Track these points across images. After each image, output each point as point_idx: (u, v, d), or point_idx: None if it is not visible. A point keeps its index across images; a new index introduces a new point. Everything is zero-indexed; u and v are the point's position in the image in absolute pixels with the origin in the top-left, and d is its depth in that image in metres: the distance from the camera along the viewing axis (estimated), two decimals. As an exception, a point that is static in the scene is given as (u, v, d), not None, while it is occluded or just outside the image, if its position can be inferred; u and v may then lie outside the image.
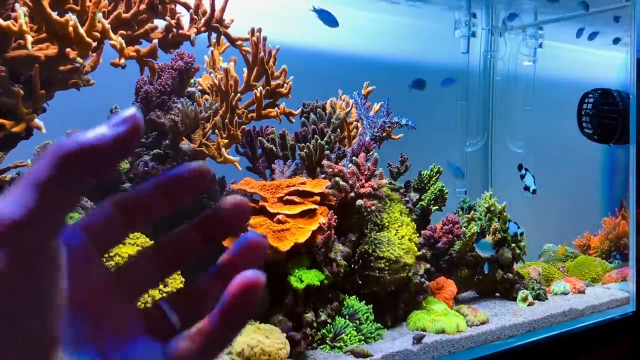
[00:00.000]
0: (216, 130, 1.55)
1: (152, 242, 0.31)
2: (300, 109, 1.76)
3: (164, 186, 0.27)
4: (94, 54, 1.28)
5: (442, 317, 1.64)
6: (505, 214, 2.02)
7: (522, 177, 2.24)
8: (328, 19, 1.92)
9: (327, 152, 1.67)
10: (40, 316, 0.23)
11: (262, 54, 1.54)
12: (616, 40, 2.79)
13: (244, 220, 0.29)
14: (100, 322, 0.27)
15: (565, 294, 2.10)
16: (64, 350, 0.25)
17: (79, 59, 1.18)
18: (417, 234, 1.74)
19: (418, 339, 1.49)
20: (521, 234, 1.97)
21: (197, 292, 0.30)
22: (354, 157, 1.61)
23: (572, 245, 2.71)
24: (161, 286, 1.23)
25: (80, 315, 0.26)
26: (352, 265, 1.56)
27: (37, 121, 1.15)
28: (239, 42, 1.53)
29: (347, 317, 1.50)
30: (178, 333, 0.28)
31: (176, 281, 1.29)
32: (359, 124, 1.89)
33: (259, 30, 1.53)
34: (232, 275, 0.27)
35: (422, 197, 1.92)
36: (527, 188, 2.21)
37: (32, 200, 0.22)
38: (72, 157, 0.23)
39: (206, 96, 1.65)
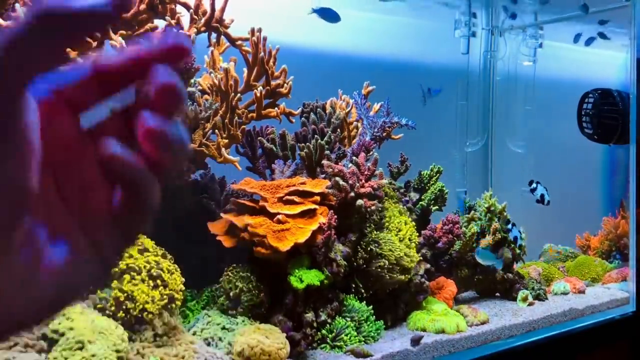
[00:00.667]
0: (216, 130, 1.55)
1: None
2: (300, 109, 1.76)
3: (141, 57, 0.27)
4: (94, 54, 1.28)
5: (442, 317, 1.64)
6: (505, 214, 2.02)
7: (533, 190, 2.26)
8: (329, 15, 1.91)
9: (327, 152, 1.67)
10: (12, 163, 0.24)
11: (262, 54, 1.54)
12: (602, 35, 2.79)
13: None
14: (69, 169, 0.28)
15: (565, 294, 2.10)
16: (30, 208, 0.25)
17: (79, 59, 1.18)
18: (417, 234, 1.74)
19: (416, 341, 1.49)
20: (520, 238, 1.97)
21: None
22: (354, 157, 1.61)
23: (572, 245, 2.71)
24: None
25: (50, 168, 0.27)
26: (353, 265, 1.56)
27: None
28: (239, 42, 1.53)
29: (347, 317, 1.50)
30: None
31: (176, 282, 1.29)
32: (359, 124, 1.89)
33: (259, 30, 1.53)
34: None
35: (422, 197, 1.92)
36: (541, 200, 2.23)
37: (7, 42, 0.22)
38: (46, 15, 0.23)
39: (206, 96, 1.65)
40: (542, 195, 2.26)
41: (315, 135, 1.69)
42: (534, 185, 2.28)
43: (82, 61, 0.28)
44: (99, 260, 0.29)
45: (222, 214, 1.51)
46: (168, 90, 0.26)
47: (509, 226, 1.95)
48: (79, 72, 0.28)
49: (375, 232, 1.58)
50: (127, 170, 0.27)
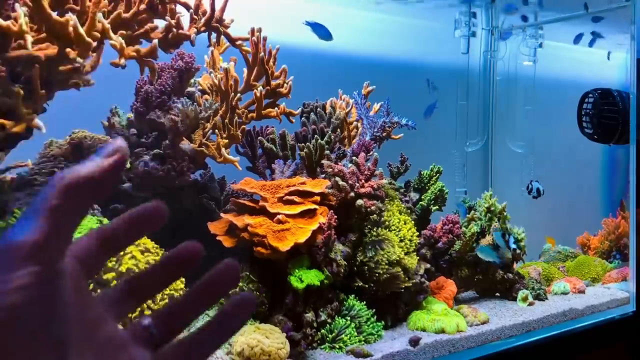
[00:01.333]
0: (216, 130, 1.55)
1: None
2: (300, 109, 1.76)
3: (132, 220, 0.32)
4: (94, 54, 1.28)
5: (442, 317, 1.64)
6: (505, 213, 2.02)
7: (530, 191, 2.28)
8: (322, 32, 1.93)
9: (327, 152, 1.67)
10: (58, 326, 0.27)
11: (262, 53, 1.54)
12: (594, 34, 2.80)
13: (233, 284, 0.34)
14: (92, 337, 0.30)
15: (565, 293, 2.10)
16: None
17: (79, 59, 1.18)
18: (418, 234, 1.74)
19: (415, 342, 1.49)
20: (517, 248, 1.98)
21: (175, 311, 0.34)
22: (354, 157, 1.61)
23: (573, 245, 2.71)
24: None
25: (77, 331, 0.29)
26: (353, 266, 1.56)
27: (37, 121, 1.15)
28: (239, 42, 1.53)
29: (347, 317, 1.50)
30: (159, 346, 0.33)
31: (176, 282, 1.29)
32: (359, 124, 1.89)
33: (259, 30, 1.53)
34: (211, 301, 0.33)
35: (422, 197, 1.92)
36: (537, 194, 2.24)
37: (46, 224, 0.27)
38: (74, 186, 0.28)
39: (206, 96, 1.65)
40: (537, 190, 2.27)
41: (315, 135, 1.69)
42: (530, 186, 2.30)
43: (89, 231, 0.32)
44: None
45: (222, 214, 1.51)
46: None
47: (508, 237, 1.95)
48: (88, 238, 0.31)
49: (375, 232, 1.58)
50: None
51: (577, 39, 2.81)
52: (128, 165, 1.45)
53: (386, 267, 1.55)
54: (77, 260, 0.30)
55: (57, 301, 0.27)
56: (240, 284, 1.43)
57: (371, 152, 1.68)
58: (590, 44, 2.84)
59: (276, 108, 1.62)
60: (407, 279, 1.62)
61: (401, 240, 1.64)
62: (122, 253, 1.22)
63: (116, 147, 0.29)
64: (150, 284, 0.34)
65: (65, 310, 0.27)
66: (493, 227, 1.97)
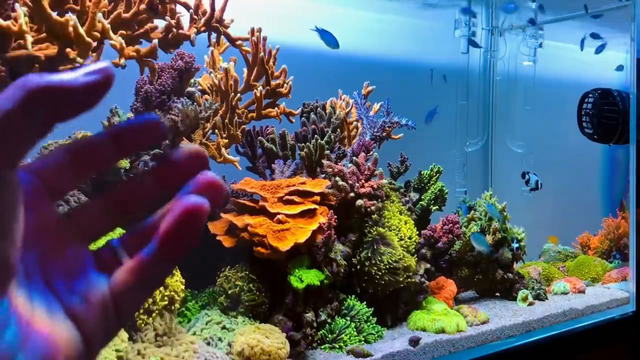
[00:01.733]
0: (216, 130, 1.55)
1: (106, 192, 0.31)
2: (300, 109, 1.76)
3: (115, 135, 0.28)
4: (94, 54, 1.28)
5: (442, 316, 1.64)
6: (505, 213, 2.02)
7: (527, 182, 2.28)
8: (329, 40, 1.92)
9: (327, 152, 1.67)
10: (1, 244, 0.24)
11: (262, 53, 1.54)
12: (594, 36, 2.80)
13: (202, 167, 0.29)
14: (50, 260, 0.27)
15: (565, 293, 2.10)
16: (17, 282, 0.25)
17: (79, 59, 1.18)
18: (418, 234, 1.74)
19: (415, 342, 1.49)
20: (517, 248, 1.98)
21: (147, 232, 0.30)
22: (354, 157, 1.61)
23: (573, 244, 2.71)
24: (161, 289, 1.23)
25: (30, 252, 0.26)
26: (353, 266, 1.56)
27: (37, 121, 1.15)
28: (239, 42, 1.53)
29: (347, 317, 1.50)
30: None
31: (176, 283, 1.29)
32: (359, 124, 1.89)
33: (259, 30, 1.53)
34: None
35: (422, 197, 1.92)
36: (536, 187, 2.25)
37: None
38: (38, 92, 0.23)
39: (206, 96, 1.65)
40: (536, 182, 2.28)
41: (315, 135, 1.69)
42: (527, 177, 2.30)
43: (59, 146, 0.28)
44: (85, 343, 0.28)
45: (222, 214, 1.51)
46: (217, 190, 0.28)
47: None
48: (57, 156, 0.27)
49: (375, 232, 1.58)
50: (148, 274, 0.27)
51: (582, 44, 2.82)
52: (127, 165, 1.45)
53: (386, 266, 1.55)
54: (39, 176, 0.27)
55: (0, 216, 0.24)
56: (242, 285, 1.43)
57: (371, 152, 1.68)
58: (598, 51, 2.85)
59: (276, 108, 1.62)
60: (407, 276, 1.62)
61: (400, 239, 1.64)
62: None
63: (101, 66, 0.25)
64: (97, 155, 0.28)
65: (12, 227, 0.24)
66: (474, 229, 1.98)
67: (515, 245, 1.95)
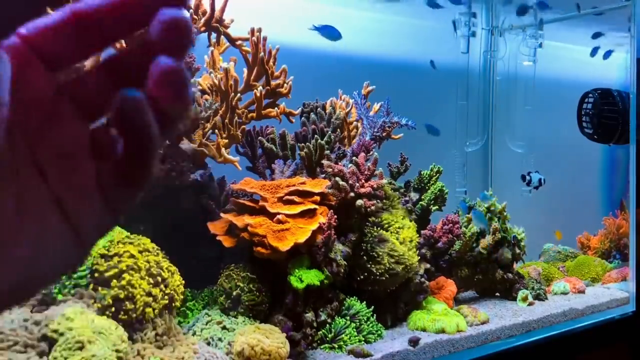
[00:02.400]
0: (216, 130, 1.55)
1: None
2: (300, 109, 1.76)
3: (121, 4, 0.24)
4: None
5: (442, 316, 1.64)
6: (505, 213, 2.02)
7: (529, 182, 2.28)
8: (331, 33, 1.91)
9: (327, 152, 1.67)
10: None
11: (262, 54, 1.54)
12: (596, 35, 2.81)
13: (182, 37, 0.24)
14: (44, 140, 0.25)
15: (565, 293, 2.10)
16: None
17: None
18: (417, 234, 1.74)
19: (414, 342, 1.49)
20: (515, 238, 1.99)
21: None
22: (354, 157, 1.61)
23: (572, 245, 2.71)
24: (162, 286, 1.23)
25: (20, 129, 0.24)
26: (353, 266, 1.56)
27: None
28: (239, 42, 1.53)
29: (347, 317, 1.50)
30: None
31: (176, 282, 1.29)
32: (359, 124, 1.89)
33: (259, 30, 1.53)
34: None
35: (422, 197, 1.92)
36: (539, 184, 2.26)
37: None
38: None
39: (206, 96, 1.65)
40: (539, 180, 2.29)
41: (315, 135, 1.69)
42: (528, 178, 2.31)
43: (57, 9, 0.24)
44: (76, 236, 0.26)
45: (222, 214, 1.51)
46: (177, 28, 0.24)
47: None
48: (52, 18, 0.24)
49: (375, 233, 1.58)
50: (140, 116, 0.24)
51: (594, 52, 2.84)
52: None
53: (386, 266, 1.55)
54: (29, 43, 0.24)
55: None
56: (242, 285, 1.43)
57: (371, 152, 1.68)
58: (605, 57, 2.86)
59: (276, 108, 1.62)
60: (406, 273, 1.62)
61: (399, 240, 1.64)
62: (119, 251, 1.22)
63: None
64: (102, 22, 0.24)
65: None
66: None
67: (513, 235, 1.95)
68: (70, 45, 0.24)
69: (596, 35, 2.80)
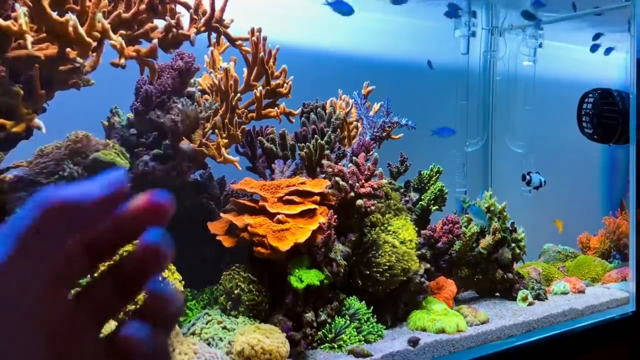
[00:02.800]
0: (216, 130, 1.55)
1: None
2: (300, 109, 1.76)
3: (127, 218, 0.28)
4: (94, 54, 1.28)
5: (442, 316, 1.64)
6: (505, 213, 2.02)
7: (529, 182, 2.28)
8: (343, 8, 1.91)
9: (327, 152, 1.67)
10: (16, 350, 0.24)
11: (262, 53, 1.54)
12: (596, 36, 2.81)
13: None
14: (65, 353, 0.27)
15: (565, 293, 2.10)
16: None
17: (79, 59, 1.18)
18: (417, 234, 1.74)
19: (414, 342, 1.49)
20: (512, 224, 1.98)
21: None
22: (353, 157, 1.61)
23: (572, 245, 2.70)
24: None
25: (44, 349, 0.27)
26: (352, 266, 1.56)
27: (37, 121, 1.15)
28: (239, 42, 1.53)
29: (347, 317, 1.50)
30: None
31: (176, 282, 1.29)
32: (359, 124, 1.89)
33: (259, 30, 1.53)
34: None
35: (422, 197, 1.92)
36: (539, 185, 2.26)
37: (13, 249, 0.24)
38: (55, 210, 0.25)
39: (206, 96, 1.65)
40: (539, 180, 2.29)
41: (315, 135, 1.69)
42: (528, 177, 2.31)
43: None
44: None
45: (221, 214, 1.51)
46: (153, 254, 0.28)
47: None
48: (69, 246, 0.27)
49: (375, 232, 1.58)
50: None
51: (594, 48, 2.83)
52: (128, 165, 1.45)
53: (386, 265, 1.55)
54: (52, 267, 0.27)
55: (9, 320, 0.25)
56: (242, 285, 1.43)
57: (371, 152, 1.68)
58: (606, 53, 2.86)
59: (276, 108, 1.62)
60: (406, 273, 1.62)
61: (402, 242, 1.64)
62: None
63: (115, 178, 0.26)
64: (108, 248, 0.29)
65: (23, 340, 0.25)
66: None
67: (511, 222, 1.96)
68: (82, 268, 0.28)
69: (596, 37, 2.80)
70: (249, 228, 1.42)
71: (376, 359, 1.40)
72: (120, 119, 1.62)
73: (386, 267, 1.56)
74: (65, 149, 1.37)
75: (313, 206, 1.48)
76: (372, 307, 1.55)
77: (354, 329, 1.48)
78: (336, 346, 1.43)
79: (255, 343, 1.25)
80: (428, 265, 1.78)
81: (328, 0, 1.90)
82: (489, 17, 2.76)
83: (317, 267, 1.45)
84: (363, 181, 1.56)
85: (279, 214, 1.45)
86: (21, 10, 1.07)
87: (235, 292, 1.43)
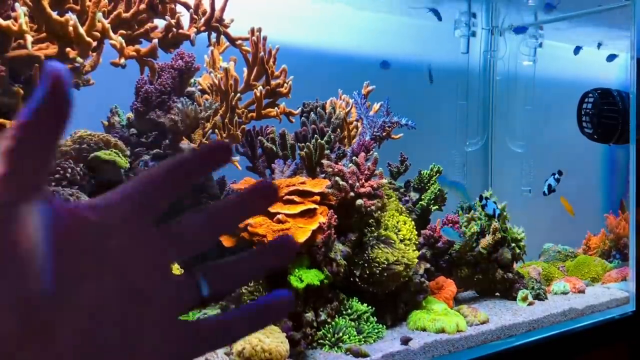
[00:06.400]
0: (216, 130, 1.55)
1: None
2: (300, 108, 1.76)
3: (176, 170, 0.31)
4: (94, 54, 1.28)
5: (442, 316, 1.64)
6: (505, 213, 2.02)
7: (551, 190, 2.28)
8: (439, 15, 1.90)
9: (327, 151, 1.67)
10: (9, 273, 0.24)
11: (262, 53, 1.54)
12: (599, 46, 2.83)
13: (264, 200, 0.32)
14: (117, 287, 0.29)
15: (565, 293, 2.11)
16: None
17: (79, 59, 1.18)
18: (417, 234, 1.74)
19: (405, 341, 1.49)
20: (499, 215, 1.97)
21: (229, 267, 0.35)
22: (354, 157, 1.61)
23: (573, 244, 2.70)
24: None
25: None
26: (352, 266, 1.56)
27: (37, 121, 1.15)
28: (239, 42, 1.53)
29: (347, 317, 1.50)
30: (206, 302, 0.32)
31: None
32: (359, 124, 1.89)
33: (259, 30, 1.53)
34: (263, 259, 0.34)
35: (422, 197, 1.92)
36: (549, 190, 2.27)
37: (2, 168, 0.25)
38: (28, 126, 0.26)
39: (206, 96, 1.65)
40: (549, 186, 2.29)
41: (315, 135, 1.69)
42: (552, 187, 2.32)
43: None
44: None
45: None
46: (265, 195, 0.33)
47: (484, 202, 1.96)
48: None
49: (375, 232, 1.58)
50: None
51: (576, 50, 2.84)
52: (128, 165, 1.45)
53: (386, 265, 1.55)
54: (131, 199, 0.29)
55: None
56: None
57: (371, 152, 1.68)
58: (609, 59, 2.87)
59: (276, 108, 1.63)
60: (406, 272, 1.62)
61: (401, 241, 1.64)
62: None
63: (51, 70, 0.26)
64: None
65: (19, 254, 0.25)
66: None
67: (497, 208, 1.95)
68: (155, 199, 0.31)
69: (611, 58, 2.82)
70: (248, 228, 1.42)
71: (376, 359, 1.41)
72: (120, 119, 1.62)
73: (386, 266, 1.56)
74: (67, 148, 1.37)
75: (313, 206, 1.49)
76: (372, 307, 1.55)
77: (354, 329, 1.48)
78: (336, 346, 1.43)
79: (256, 343, 1.25)
80: (428, 265, 1.78)
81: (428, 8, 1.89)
82: (489, 17, 2.76)
83: (317, 267, 1.45)
84: (363, 181, 1.56)
85: (279, 213, 1.45)
86: (21, 10, 1.07)
87: (238, 292, 1.43)
